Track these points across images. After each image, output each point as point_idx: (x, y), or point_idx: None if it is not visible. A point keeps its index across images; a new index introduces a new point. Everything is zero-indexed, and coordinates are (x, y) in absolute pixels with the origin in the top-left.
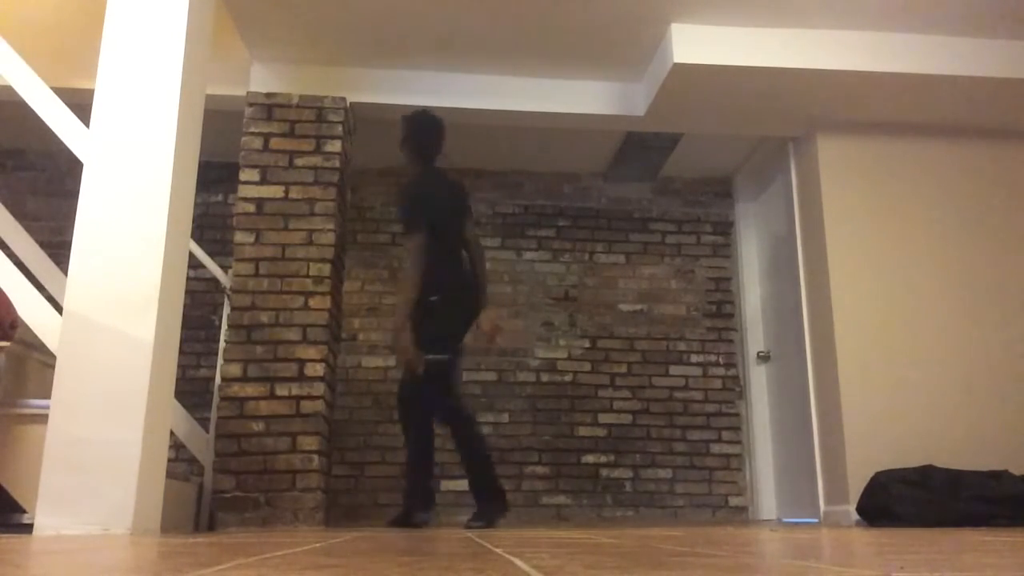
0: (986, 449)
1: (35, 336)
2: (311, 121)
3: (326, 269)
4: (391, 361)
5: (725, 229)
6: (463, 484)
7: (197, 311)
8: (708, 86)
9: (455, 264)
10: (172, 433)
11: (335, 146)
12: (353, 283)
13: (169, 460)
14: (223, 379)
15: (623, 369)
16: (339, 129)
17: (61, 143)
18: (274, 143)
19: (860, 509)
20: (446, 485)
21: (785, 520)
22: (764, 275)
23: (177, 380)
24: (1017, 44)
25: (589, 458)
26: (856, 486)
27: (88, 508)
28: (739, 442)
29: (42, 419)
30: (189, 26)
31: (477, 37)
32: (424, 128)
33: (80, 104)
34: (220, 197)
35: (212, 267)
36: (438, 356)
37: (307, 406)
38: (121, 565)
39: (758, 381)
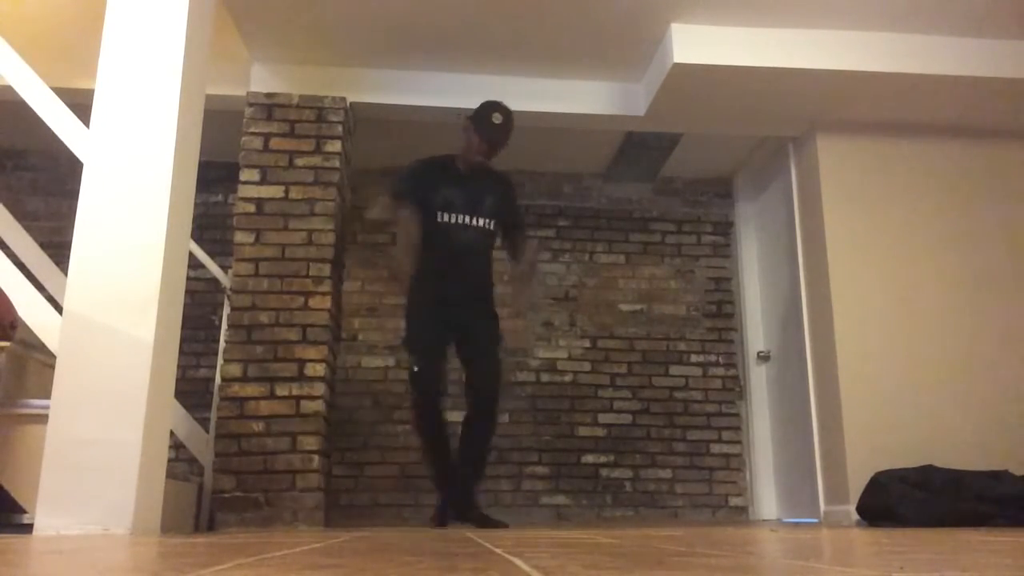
0: (986, 449)
1: (35, 336)
2: (311, 121)
3: (326, 269)
4: (391, 361)
5: (725, 229)
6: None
7: (197, 311)
8: (708, 86)
9: (436, 260)
10: (172, 433)
11: (335, 146)
12: (353, 283)
13: (169, 460)
14: (223, 379)
15: (623, 369)
16: (339, 129)
17: (61, 143)
18: (274, 143)
19: (860, 509)
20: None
21: (785, 520)
22: (764, 275)
23: (177, 380)
24: (1017, 44)
25: (589, 458)
26: (856, 486)
27: (88, 508)
28: (739, 442)
29: (42, 419)
30: (189, 26)
31: (477, 37)
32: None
33: (80, 104)
34: (220, 197)
35: (212, 267)
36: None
37: (307, 406)
38: (121, 565)
39: (758, 381)
